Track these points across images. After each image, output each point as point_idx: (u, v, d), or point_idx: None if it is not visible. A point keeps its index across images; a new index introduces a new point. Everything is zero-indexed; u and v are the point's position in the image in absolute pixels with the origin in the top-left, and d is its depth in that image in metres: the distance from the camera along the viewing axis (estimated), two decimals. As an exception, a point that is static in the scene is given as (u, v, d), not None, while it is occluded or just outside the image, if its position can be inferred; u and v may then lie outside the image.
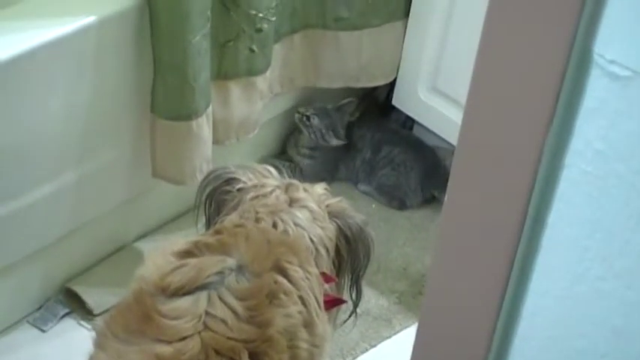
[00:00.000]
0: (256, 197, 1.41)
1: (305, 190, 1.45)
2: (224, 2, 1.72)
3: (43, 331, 1.80)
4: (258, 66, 1.83)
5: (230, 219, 1.39)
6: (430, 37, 2.02)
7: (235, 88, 1.82)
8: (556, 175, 0.76)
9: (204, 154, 1.77)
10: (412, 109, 2.14)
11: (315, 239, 1.39)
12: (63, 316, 1.82)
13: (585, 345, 0.78)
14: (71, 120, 1.64)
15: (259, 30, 1.77)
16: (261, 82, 1.86)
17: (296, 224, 1.38)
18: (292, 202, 1.41)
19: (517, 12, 0.73)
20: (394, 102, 2.16)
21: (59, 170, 1.68)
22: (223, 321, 1.21)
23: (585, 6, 0.70)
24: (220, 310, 1.21)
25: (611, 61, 0.70)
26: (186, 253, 1.28)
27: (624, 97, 0.70)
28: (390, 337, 1.86)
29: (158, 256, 1.29)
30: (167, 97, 1.70)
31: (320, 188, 1.48)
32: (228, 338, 1.20)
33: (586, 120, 0.73)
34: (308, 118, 2.11)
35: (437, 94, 2.07)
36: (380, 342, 1.85)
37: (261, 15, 1.76)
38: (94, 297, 1.82)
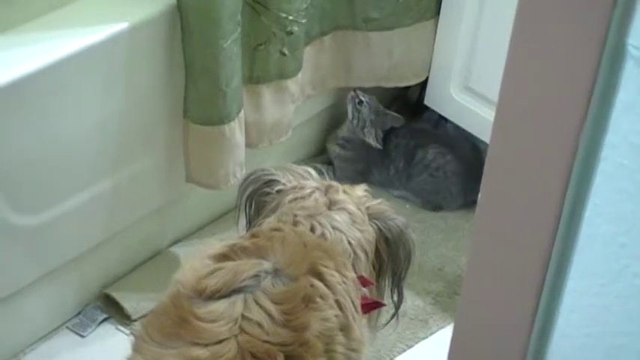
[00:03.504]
0: (295, 200, 1.40)
1: (345, 192, 1.44)
2: (254, 6, 1.73)
3: (82, 336, 1.81)
4: (289, 69, 1.83)
5: (268, 222, 1.40)
6: (461, 36, 2.01)
7: (267, 92, 1.82)
8: (592, 169, 0.74)
9: (237, 158, 1.78)
10: (444, 108, 2.13)
11: (353, 242, 1.38)
12: (101, 322, 1.84)
13: (624, 342, 0.77)
14: (105, 128, 1.66)
15: (290, 33, 1.78)
16: (293, 85, 1.86)
17: (334, 227, 1.37)
18: (331, 204, 1.40)
19: (548, 7, 0.72)
20: (426, 102, 2.15)
21: (94, 178, 1.69)
22: (259, 324, 1.21)
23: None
24: (256, 314, 1.21)
25: (646, 53, 0.69)
26: (223, 257, 1.29)
27: (659, 90, 0.69)
28: (426, 337, 1.85)
29: (195, 260, 1.29)
30: (199, 102, 1.70)
31: (360, 190, 1.48)
32: (264, 342, 1.20)
33: (621, 113, 0.72)
34: (361, 102, 2.11)
35: (469, 93, 2.06)
36: (416, 342, 1.84)
37: (291, 18, 1.76)
38: (132, 302, 1.83)
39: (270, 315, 1.22)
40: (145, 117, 1.72)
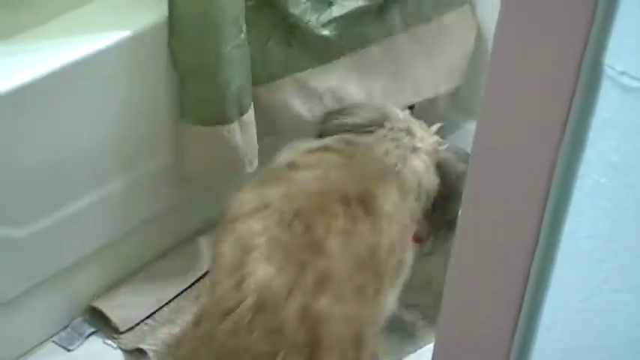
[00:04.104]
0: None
1: (422, 139, 1.63)
2: (256, 6, 1.72)
3: (69, 350, 1.81)
4: (301, 62, 1.83)
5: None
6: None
7: (286, 87, 1.82)
8: (570, 186, 0.76)
9: (235, 161, 1.78)
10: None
11: (423, 186, 1.58)
12: (89, 335, 1.84)
13: (603, 357, 0.78)
14: (105, 135, 1.67)
15: (294, 26, 1.77)
16: (312, 79, 1.84)
17: (413, 170, 1.57)
18: (413, 149, 1.60)
19: (526, 26, 0.74)
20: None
21: (86, 188, 1.69)
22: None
23: (595, 18, 0.70)
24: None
25: (622, 73, 0.70)
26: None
27: (635, 109, 0.70)
28: (414, 351, 1.86)
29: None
30: (196, 103, 1.71)
31: (433, 136, 1.66)
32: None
33: (599, 131, 0.73)
34: None
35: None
36: (404, 356, 1.85)
37: (296, 12, 1.76)
38: (120, 315, 1.83)
39: None
40: (147, 124, 1.73)
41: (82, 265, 1.79)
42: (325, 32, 1.79)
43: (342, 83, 1.89)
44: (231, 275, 1.36)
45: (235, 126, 1.74)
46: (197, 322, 1.44)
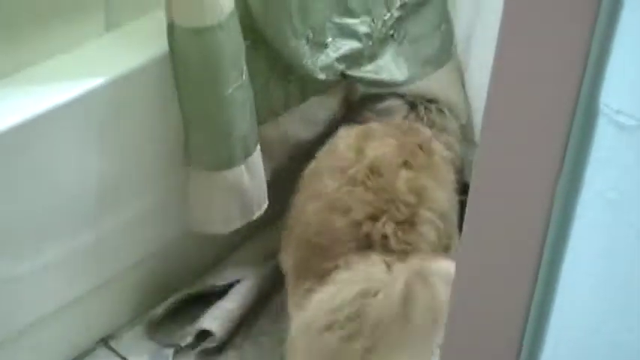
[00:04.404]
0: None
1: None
2: (254, 47, 1.72)
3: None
4: (301, 94, 1.83)
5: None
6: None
7: (288, 119, 1.83)
8: (568, 226, 0.75)
9: (241, 203, 1.76)
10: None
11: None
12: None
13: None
14: (100, 176, 1.66)
15: (290, 68, 1.78)
16: (317, 105, 1.85)
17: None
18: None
19: (523, 62, 0.74)
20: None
21: (84, 226, 1.69)
22: None
23: (590, 56, 0.70)
24: None
25: (618, 111, 0.70)
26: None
27: (632, 147, 0.70)
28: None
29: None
30: (201, 148, 1.70)
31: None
32: None
33: (596, 170, 0.72)
34: None
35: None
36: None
37: (289, 63, 1.77)
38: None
39: None
40: (141, 164, 1.72)
41: (80, 303, 1.78)
42: (322, 76, 1.80)
43: (339, 109, 1.90)
44: (350, 150, 1.68)
45: (242, 169, 1.72)
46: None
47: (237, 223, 1.78)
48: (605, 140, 0.71)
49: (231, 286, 1.90)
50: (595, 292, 0.75)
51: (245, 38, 1.67)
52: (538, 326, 0.80)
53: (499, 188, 0.76)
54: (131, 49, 1.67)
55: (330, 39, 1.80)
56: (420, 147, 1.74)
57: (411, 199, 1.62)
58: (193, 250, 1.95)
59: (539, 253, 0.76)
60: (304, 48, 1.76)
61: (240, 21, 1.66)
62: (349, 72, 1.85)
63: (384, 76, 1.89)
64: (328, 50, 1.80)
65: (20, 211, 1.57)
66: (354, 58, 1.84)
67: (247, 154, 1.73)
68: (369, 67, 1.88)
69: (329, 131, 1.84)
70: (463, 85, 2.04)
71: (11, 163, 1.52)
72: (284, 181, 1.79)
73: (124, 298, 1.89)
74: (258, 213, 1.79)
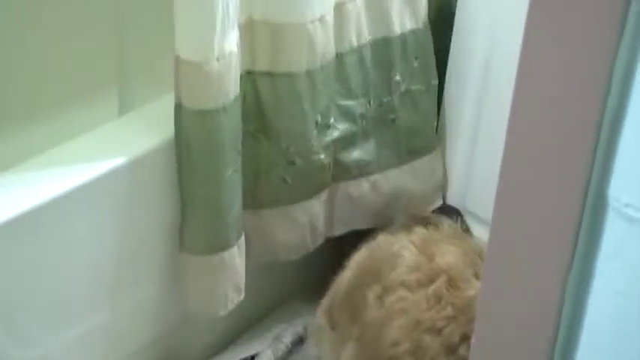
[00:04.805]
0: None
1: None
2: (255, 135, 1.74)
3: None
4: (292, 196, 1.83)
5: None
6: (456, 161, 2.04)
7: (270, 216, 1.83)
8: (580, 317, 0.75)
9: (235, 283, 1.78)
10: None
11: None
12: None
13: None
14: (103, 261, 1.66)
15: (292, 163, 1.78)
16: (300, 212, 1.85)
17: None
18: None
19: (532, 157, 0.75)
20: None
21: (90, 311, 1.68)
22: None
23: (598, 150, 0.71)
24: None
25: (627, 205, 0.71)
26: None
27: (641, 240, 0.70)
28: None
29: None
30: (199, 232, 1.70)
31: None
32: None
33: (606, 263, 0.73)
34: None
35: (466, 215, 2.08)
36: None
37: (292, 149, 1.78)
38: None
39: None
40: (145, 249, 1.72)
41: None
42: (322, 156, 1.81)
43: (320, 213, 1.89)
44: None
45: (235, 250, 1.73)
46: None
47: (233, 304, 1.78)
48: (614, 234, 0.72)
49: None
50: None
51: (249, 124, 1.70)
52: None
53: (509, 284, 0.76)
54: (144, 132, 1.69)
55: (332, 120, 1.82)
56: (479, 255, 1.63)
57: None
58: (199, 332, 1.95)
59: (551, 347, 0.77)
60: (313, 132, 1.78)
61: (248, 107, 1.68)
62: (339, 156, 1.86)
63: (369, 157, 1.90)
64: (330, 131, 1.82)
65: (35, 293, 1.57)
66: (349, 139, 1.86)
67: (239, 235, 1.74)
68: (357, 152, 1.89)
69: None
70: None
71: (29, 244, 1.53)
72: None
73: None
74: (241, 296, 1.79)
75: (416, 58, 1.91)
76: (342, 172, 1.89)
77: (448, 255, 1.59)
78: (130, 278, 1.72)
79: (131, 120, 1.74)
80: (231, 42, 1.57)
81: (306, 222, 1.87)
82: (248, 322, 2.02)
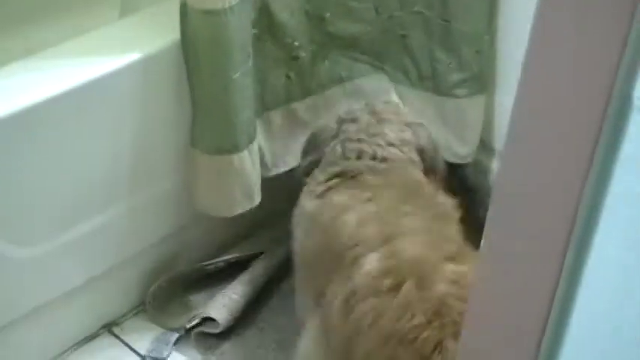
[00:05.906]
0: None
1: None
2: (260, 35, 1.73)
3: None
4: (295, 92, 1.84)
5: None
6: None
7: (277, 118, 1.83)
8: (596, 220, 0.75)
9: (245, 188, 1.78)
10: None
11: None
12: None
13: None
14: (115, 156, 1.67)
15: (295, 57, 1.79)
16: (302, 109, 1.86)
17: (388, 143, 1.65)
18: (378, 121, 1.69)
19: (556, 57, 0.73)
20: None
21: (100, 207, 1.70)
22: None
23: (626, 51, 0.70)
24: None
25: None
26: None
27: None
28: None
29: None
30: (207, 132, 1.71)
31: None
32: None
33: (625, 163, 0.72)
34: None
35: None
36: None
37: (296, 44, 1.78)
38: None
39: None
40: (156, 145, 1.73)
41: (96, 284, 1.79)
42: (324, 63, 1.81)
43: (330, 115, 1.89)
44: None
45: (245, 154, 1.74)
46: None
47: (241, 208, 1.79)
48: (637, 135, 0.71)
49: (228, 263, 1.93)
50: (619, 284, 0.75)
51: (253, 27, 1.69)
52: (560, 320, 0.79)
53: (528, 178, 0.76)
54: (149, 33, 1.68)
55: (328, 14, 1.82)
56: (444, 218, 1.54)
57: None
58: (200, 239, 1.97)
59: (565, 245, 0.76)
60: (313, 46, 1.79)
61: (252, 8, 1.68)
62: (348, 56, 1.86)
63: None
64: (325, 23, 1.82)
65: (31, 194, 1.57)
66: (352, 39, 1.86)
67: (250, 140, 1.74)
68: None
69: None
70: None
71: (25, 143, 1.53)
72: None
73: (129, 285, 1.89)
74: (257, 200, 1.80)
75: None
76: (350, 73, 1.90)
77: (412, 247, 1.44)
78: (144, 173, 1.74)
79: (143, 18, 1.73)
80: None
81: (308, 119, 1.87)
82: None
